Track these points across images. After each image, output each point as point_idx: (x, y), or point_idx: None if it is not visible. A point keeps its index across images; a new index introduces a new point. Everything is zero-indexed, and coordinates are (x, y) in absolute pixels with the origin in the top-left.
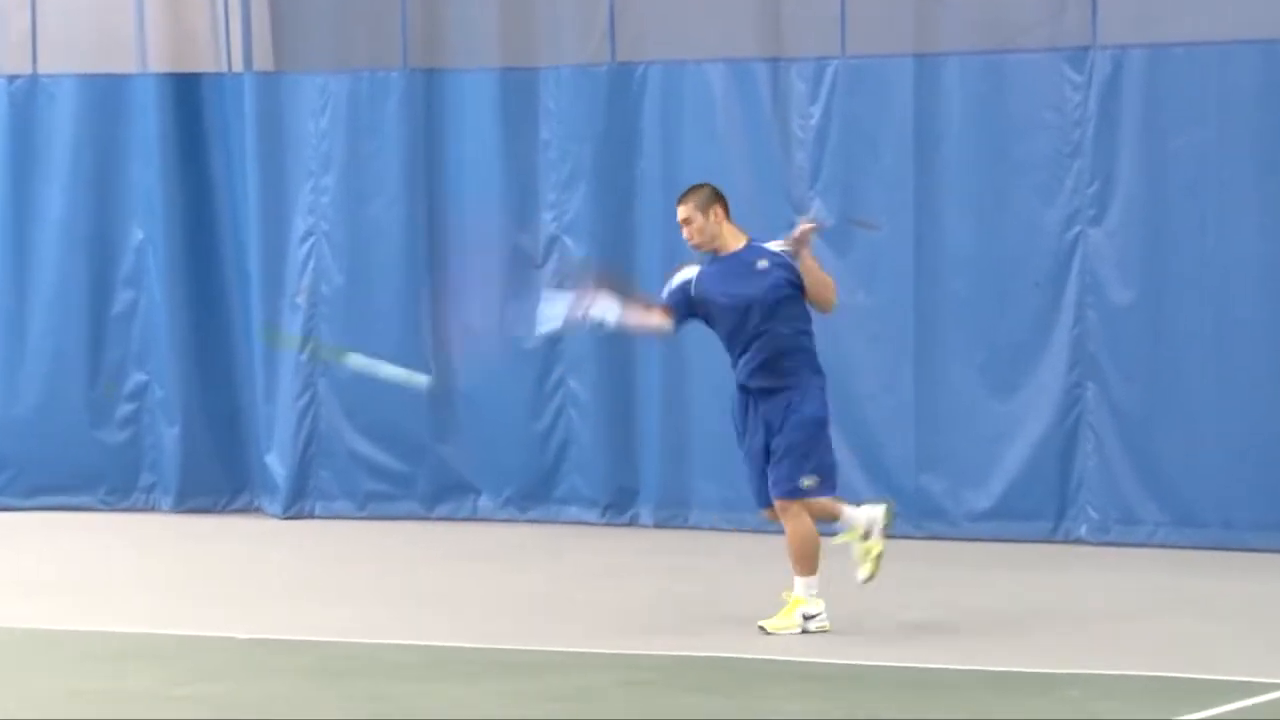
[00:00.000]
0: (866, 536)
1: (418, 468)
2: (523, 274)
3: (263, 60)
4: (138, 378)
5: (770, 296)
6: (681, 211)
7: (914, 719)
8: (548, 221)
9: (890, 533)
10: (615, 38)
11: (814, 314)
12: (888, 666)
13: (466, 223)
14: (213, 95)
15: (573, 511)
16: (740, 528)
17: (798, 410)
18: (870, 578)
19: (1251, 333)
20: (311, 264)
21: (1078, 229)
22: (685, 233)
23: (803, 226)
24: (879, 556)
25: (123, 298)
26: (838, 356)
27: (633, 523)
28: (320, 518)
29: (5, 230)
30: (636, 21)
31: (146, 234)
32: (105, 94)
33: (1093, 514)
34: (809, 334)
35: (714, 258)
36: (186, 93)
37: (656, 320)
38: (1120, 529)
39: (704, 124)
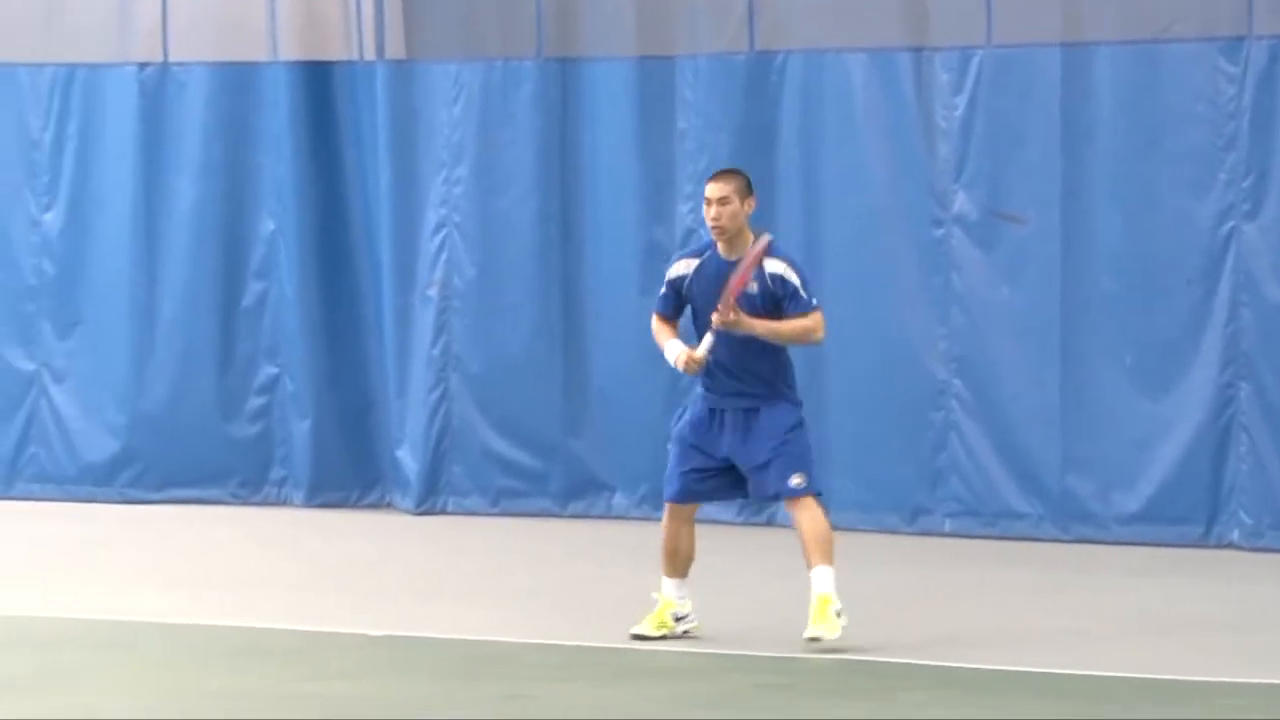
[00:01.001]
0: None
1: (551, 464)
2: (658, 267)
3: (395, 48)
4: (268, 370)
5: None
6: (719, 189)
7: None
8: (684, 214)
9: (1037, 535)
10: (754, 26)
11: None
12: (1031, 672)
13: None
14: (344, 83)
15: (709, 511)
16: (879, 528)
17: (771, 418)
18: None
19: None
20: (444, 256)
21: (1231, 224)
22: (714, 212)
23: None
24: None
25: (254, 289)
26: (981, 354)
27: (770, 522)
28: (452, 514)
29: (136, 221)
30: (776, 9)
31: (278, 225)
32: (236, 82)
33: (1245, 518)
34: (778, 352)
35: (716, 255)
36: (318, 81)
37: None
38: (1274, 534)
39: (845, 115)
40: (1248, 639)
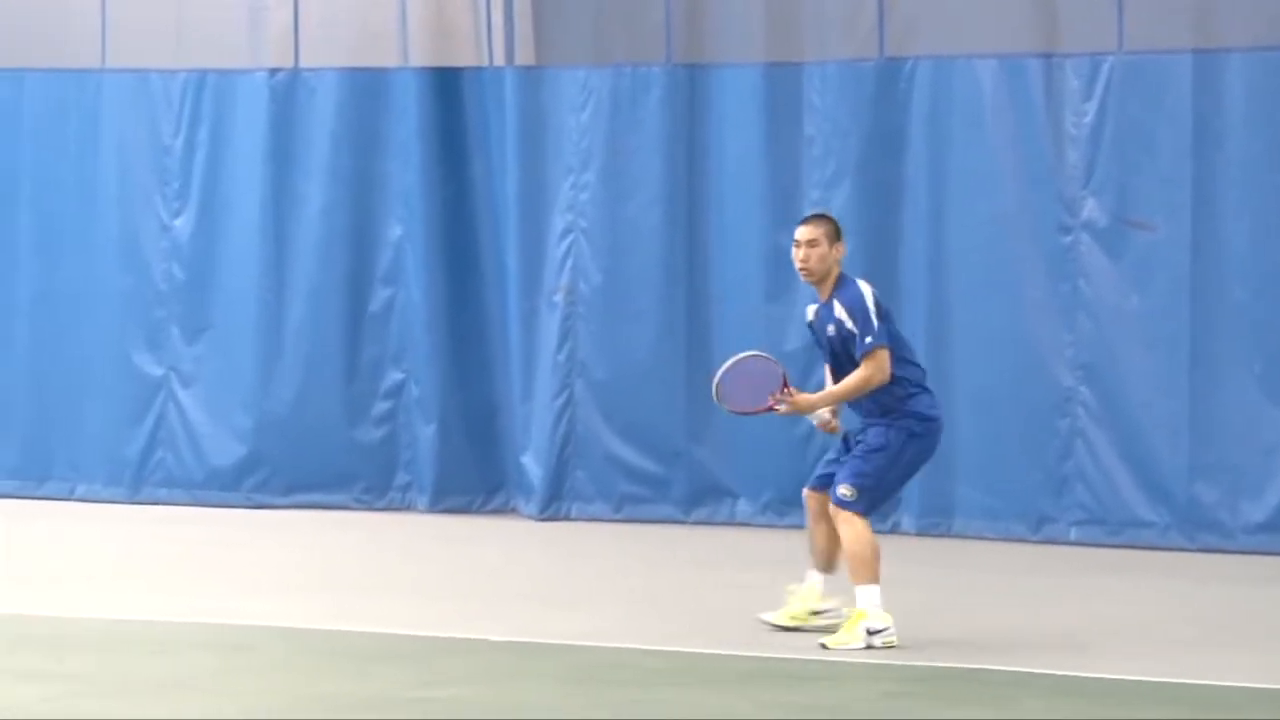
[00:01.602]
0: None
1: (675, 471)
2: (784, 274)
3: (525, 54)
4: (394, 376)
5: (835, 361)
6: (808, 232)
7: None
8: None
9: (1163, 543)
10: (884, 32)
11: None
12: (1153, 681)
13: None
14: (473, 89)
15: None
16: (1005, 536)
17: (868, 435)
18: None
19: None
20: (570, 262)
21: None
22: (802, 254)
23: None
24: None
25: (380, 295)
26: (1109, 362)
27: (894, 530)
28: (576, 520)
29: (265, 226)
30: (906, 15)
31: (405, 230)
32: (366, 88)
33: None
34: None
35: (819, 300)
36: (447, 87)
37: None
38: None
39: (974, 121)
40: None
